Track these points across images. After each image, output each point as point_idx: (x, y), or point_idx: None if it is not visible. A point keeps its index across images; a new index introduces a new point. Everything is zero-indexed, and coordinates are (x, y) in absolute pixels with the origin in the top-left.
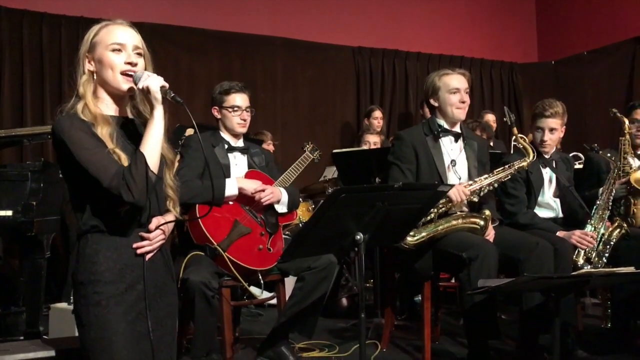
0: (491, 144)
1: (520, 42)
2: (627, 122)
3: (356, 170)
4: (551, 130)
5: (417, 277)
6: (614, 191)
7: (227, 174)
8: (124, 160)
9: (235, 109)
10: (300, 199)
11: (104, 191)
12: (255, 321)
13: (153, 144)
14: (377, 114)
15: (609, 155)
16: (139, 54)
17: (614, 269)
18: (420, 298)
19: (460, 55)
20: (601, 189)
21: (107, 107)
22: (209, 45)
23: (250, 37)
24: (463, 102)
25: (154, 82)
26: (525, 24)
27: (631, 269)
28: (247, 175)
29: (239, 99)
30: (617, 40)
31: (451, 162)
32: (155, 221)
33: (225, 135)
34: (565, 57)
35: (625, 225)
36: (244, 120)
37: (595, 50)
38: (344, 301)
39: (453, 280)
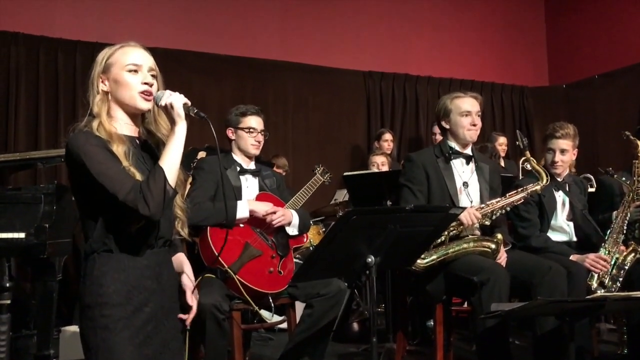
0: (502, 164)
1: (531, 66)
2: None
3: (367, 192)
4: (562, 151)
5: (429, 300)
6: (628, 215)
7: (239, 196)
8: (139, 178)
9: (251, 130)
10: (311, 222)
11: (118, 205)
12: (266, 345)
13: (173, 158)
14: (387, 136)
15: (623, 179)
16: (153, 75)
17: (630, 293)
18: (432, 322)
19: (471, 79)
20: (615, 212)
21: (121, 126)
22: (221, 69)
23: (262, 62)
24: (474, 125)
25: (177, 99)
26: (536, 48)
27: None
28: (258, 198)
29: (255, 121)
30: (627, 64)
31: (463, 184)
32: (190, 290)
33: (237, 157)
34: (576, 81)
35: (639, 249)
36: (259, 142)
37: (606, 73)
38: (355, 326)
39: (465, 305)
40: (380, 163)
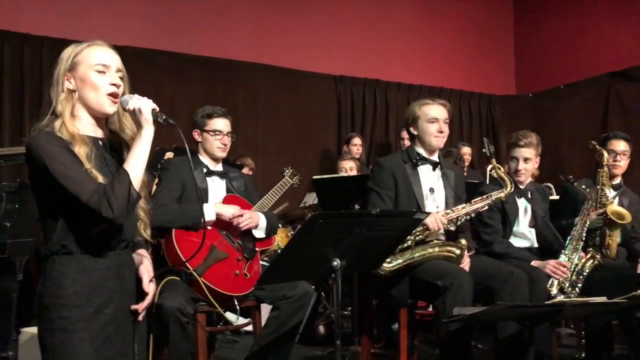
0: (465, 174)
1: (498, 75)
2: (605, 154)
3: (336, 196)
4: (525, 160)
5: (394, 304)
6: (588, 222)
7: (206, 199)
8: (101, 181)
9: (217, 132)
10: (280, 225)
11: (81, 208)
12: (231, 348)
13: (138, 162)
14: (356, 140)
15: (583, 187)
16: (120, 77)
17: (587, 298)
18: (397, 326)
19: (440, 86)
20: (576, 219)
21: (85, 127)
22: (191, 70)
23: (233, 63)
24: (441, 132)
25: (146, 105)
26: (504, 57)
27: (603, 299)
28: (226, 200)
29: (221, 123)
30: (592, 75)
31: (430, 189)
32: (147, 277)
33: (204, 159)
34: (542, 90)
35: (598, 256)
36: (225, 144)
37: (571, 84)
38: (321, 329)
39: (430, 309)
40: (348, 168)
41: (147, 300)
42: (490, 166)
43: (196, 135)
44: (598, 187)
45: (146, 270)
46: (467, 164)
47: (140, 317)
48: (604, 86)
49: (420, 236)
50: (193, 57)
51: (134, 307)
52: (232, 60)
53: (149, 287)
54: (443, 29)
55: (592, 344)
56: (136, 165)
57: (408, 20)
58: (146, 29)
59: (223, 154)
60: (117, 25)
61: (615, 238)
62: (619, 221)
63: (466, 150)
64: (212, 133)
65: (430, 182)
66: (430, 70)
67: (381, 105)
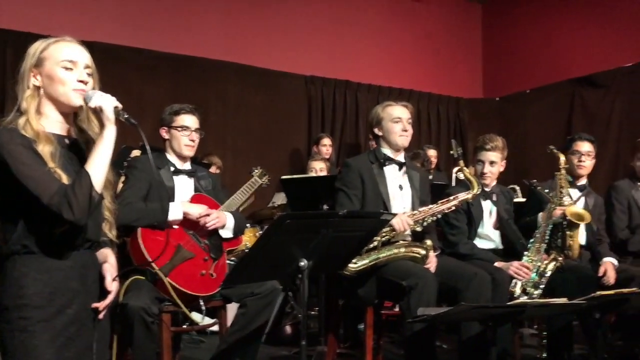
0: (430, 176)
1: (467, 78)
2: (562, 158)
3: (305, 196)
4: (491, 163)
5: (360, 304)
6: (550, 225)
7: (172, 197)
8: (65, 181)
9: (184, 129)
10: (248, 225)
11: (42, 208)
12: (197, 348)
13: (100, 163)
14: (326, 141)
15: (546, 190)
16: (89, 73)
17: (548, 299)
18: (363, 326)
19: (410, 89)
20: (540, 214)
21: (51, 124)
22: (160, 67)
23: (203, 61)
24: (405, 131)
25: (108, 102)
26: (472, 61)
27: (564, 300)
28: (193, 199)
29: (189, 120)
30: (557, 80)
31: (399, 186)
32: (110, 275)
33: (171, 157)
34: (509, 94)
35: (560, 258)
36: (192, 141)
37: (537, 88)
38: (288, 329)
39: (397, 309)
40: (318, 169)
41: (109, 298)
42: (457, 168)
43: (163, 132)
44: (556, 190)
45: (109, 268)
46: (433, 166)
47: (100, 316)
48: (569, 91)
49: (387, 237)
50: (162, 54)
51: (94, 305)
52: (201, 58)
53: (112, 286)
54: (412, 32)
55: (553, 344)
56: (98, 166)
57: (378, 23)
58: (114, 24)
59: (191, 152)
60: (85, 20)
61: (576, 239)
62: (578, 222)
63: (432, 153)
64: (179, 129)
65: (397, 181)
66: (399, 73)
67: (351, 106)
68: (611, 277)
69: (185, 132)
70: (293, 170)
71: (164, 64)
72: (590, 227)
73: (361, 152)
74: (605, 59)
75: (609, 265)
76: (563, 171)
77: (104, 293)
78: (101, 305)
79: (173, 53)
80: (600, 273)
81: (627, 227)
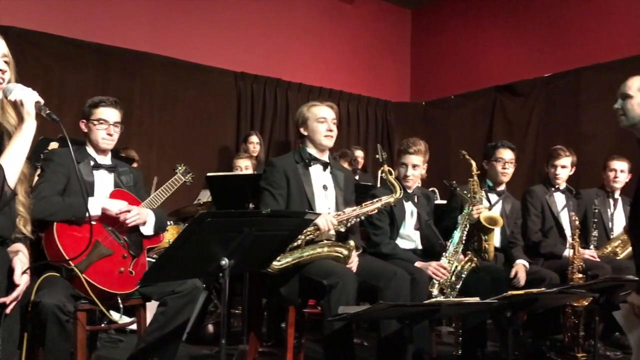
0: (356, 177)
1: (395, 82)
2: (474, 164)
3: (230, 194)
4: (414, 166)
5: (283, 303)
6: (467, 227)
7: (91, 192)
8: None
9: (102, 122)
10: (171, 222)
11: None
12: (115, 347)
13: (16, 157)
14: (254, 139)
15: (465, 192)
16: (6, 62)
17: (462, 299)
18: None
19: (340, 90)
20: (460, 216)
21: None
22: (84, 57)
23: (129, 53)
24: (330, 131)
25: (28, 97)
26: (400, 66)
27: (476, 299)
28: (113, 195)
29: (108, 113)
30: (480, 87)
31: (323, 186)
32: (20, 268)
33: (91, 151)
34: (434, 99)
35: (476, 259)
36: (110, 135)
37: (461, 95)
38: (210, 328)
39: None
40: (244, 167)
41: (17, 291)
42: (381, 170)
43: (83, 125)
44: (469, 195)
45: (19, 261)
46: (360, 166)
47: (7, 310)
48: (491, 99)
49: (311, 236)
50: (85, 43)
51: (1, 299)
52: (128, 49)
53: (21, 279)
54: (343, 35)
55: (468, 341)
56: (13, 159)
57: (310, 23)
58: (34, 9)
59: (108, 145)
60: (1, 2)
61: (491, 242)
62: (491, 227)
63: (359, 154)
64: (96, 122)
65: (322, 181)
66: (330, 74)
67: (281, 105)
68: (522, 278)
69: (103, 125)
70: (220, 168)
71: (87, 53)
72: (504, 230)
73: (291, 151)
74: (525, 68)
75: (520, 267)
76: (475, 177)
77: (12, 287)
78: (8, 298)
79: (98, 43)
80: (512, 275)
81: (540, 230)
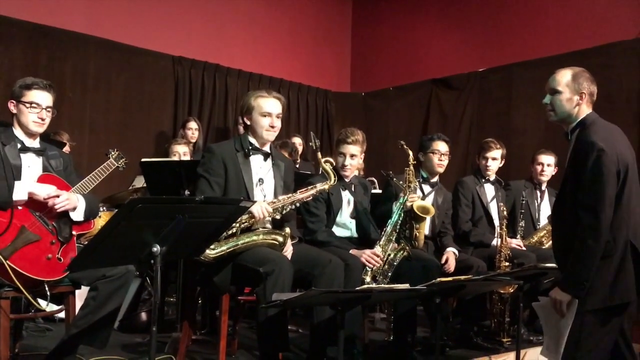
0: (297, 165)
1: (335, 72)
2: (411, 154)
3: (165, 181)
4: (352, 156)
5: (216, 291)
6: (401, 216)
7: (18, 176)
8: None
9: (34, 105)
10: (104, 208)
11: None
12: (43, 336)
13: None
14: (193, 124)
15: (400, 182)
16: None
17: (392, 285)
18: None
19: (280, 78)
20: (395, 205)
21: None
22: (12, 35)
23: (61, 32)
24: (273, 127)
25: None
26: (341, 56)
27: (406, 286)
28: (41, 179)
29: (40, 96)
30: (418, 80)
31: (259, 180)
32: None
33: (19, 133)
34: (373, 90)
35: (407, 247)
36: (42, 119)
37: (399, 86)
38: (144, 316)
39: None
40: (182, 153)
41: None
42: (321, 159)
43: (12, 106)
44: (405, 185)
45: None
46: (300, 155)
47: None
48: (427, 91)
49: (246, 224)
50: (14, 20)
51: None
52: (59, 29)
53: None
54: (283, 22)
55: (399, 327)
56: None
57: (250, 8)
58: None
59: (39, 129)
60: None
61: (422, 230)
62: (424, 215)
63: (298, 141)
64: (28, 105)
65: (261, 172)
66: (271, 61)
67: (220, 91)
68: (451, 265)
69: (35, 109)
70: (157, 154)
71: (17, 32)
72: (434, 220)
73: (229, 138)
74: (460, 63)
75: (450, 254)
76: (411, 166)
77: None
78: None
79: (27, 21)
80: (443, 261)
81: (470, 220)
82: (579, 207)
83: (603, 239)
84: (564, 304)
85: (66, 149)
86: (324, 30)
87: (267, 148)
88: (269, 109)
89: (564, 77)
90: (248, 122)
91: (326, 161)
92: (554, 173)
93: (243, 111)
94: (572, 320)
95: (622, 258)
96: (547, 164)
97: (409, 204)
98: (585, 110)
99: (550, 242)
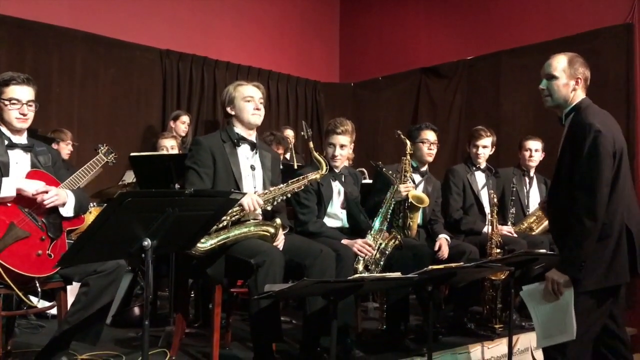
0: (287, 156)
1: (324, 63)
2: (409, 143)
3: (155, 174)
4: (341, 146)
5: (209, 283)
6: (392, 206)
7: (6, 173)
8: None
9: (14, 101)
10: (94, 204)
11: None
12: (35, 333)
13: None
14: (184, 118)
15: (390, 172)
16: None
17: (384, 274)
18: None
19: (269, 70)
20: (385, 199)
21: None
22: None
23: (47, 27)
24: (258, 110)
25: None
26: (329, 46)
27: (398, 274)
28: (29, 175)
29: (20, 92)
30: (407, 69)
31: (251, 166)
32: None
33: (5, 130)
34: (363, 81)
35: (399, 236)
36: (24, 115)
37: (389, 76)
38: (136, 310)
39: None
40: (169, 147)
41: None
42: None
43: None
44: (401, 174)
45: None
46: (290, 146)
47: None
48: (416, 80)
49: (237, 216)
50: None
51: None
52: (46, 24)
53: None
54: (271, 13)
55: (391, 316)
56: None
57: (236, 0)
58: None
59: (23, 125)
60: None
61: (415, 220)
62: (419, 205)
63: (289, 134)
64: (7, 102)
65: (249, 161)
66: (259, 53)
67: (209, 84)
68: (445, 251)
69: (16, 105)
70: (146, 148)
71: (2, 27)
72: (425, 208)
73: (218, 130)
74: (449, 51)
75: (443, 240)
76: (408, 156)
77: None
78: None
79: (12, 16)
80: (436, 248)
81: (461, 208)
82: (576, 188)
83: (599, 219)
84: (561, 285)
85: (69, 148)
86: (312, 21)
87: (253, 138)
88: (251, 94)
89: (560, 62)
90: (232, 112)
91: (315, 150)
92: (541, 158)
93: (226, 103)
94: (571, 300)
95: (618, 240)
96: (535, 149)
97: (403, 193)
98: (580, 95)
99: (540, 227)
